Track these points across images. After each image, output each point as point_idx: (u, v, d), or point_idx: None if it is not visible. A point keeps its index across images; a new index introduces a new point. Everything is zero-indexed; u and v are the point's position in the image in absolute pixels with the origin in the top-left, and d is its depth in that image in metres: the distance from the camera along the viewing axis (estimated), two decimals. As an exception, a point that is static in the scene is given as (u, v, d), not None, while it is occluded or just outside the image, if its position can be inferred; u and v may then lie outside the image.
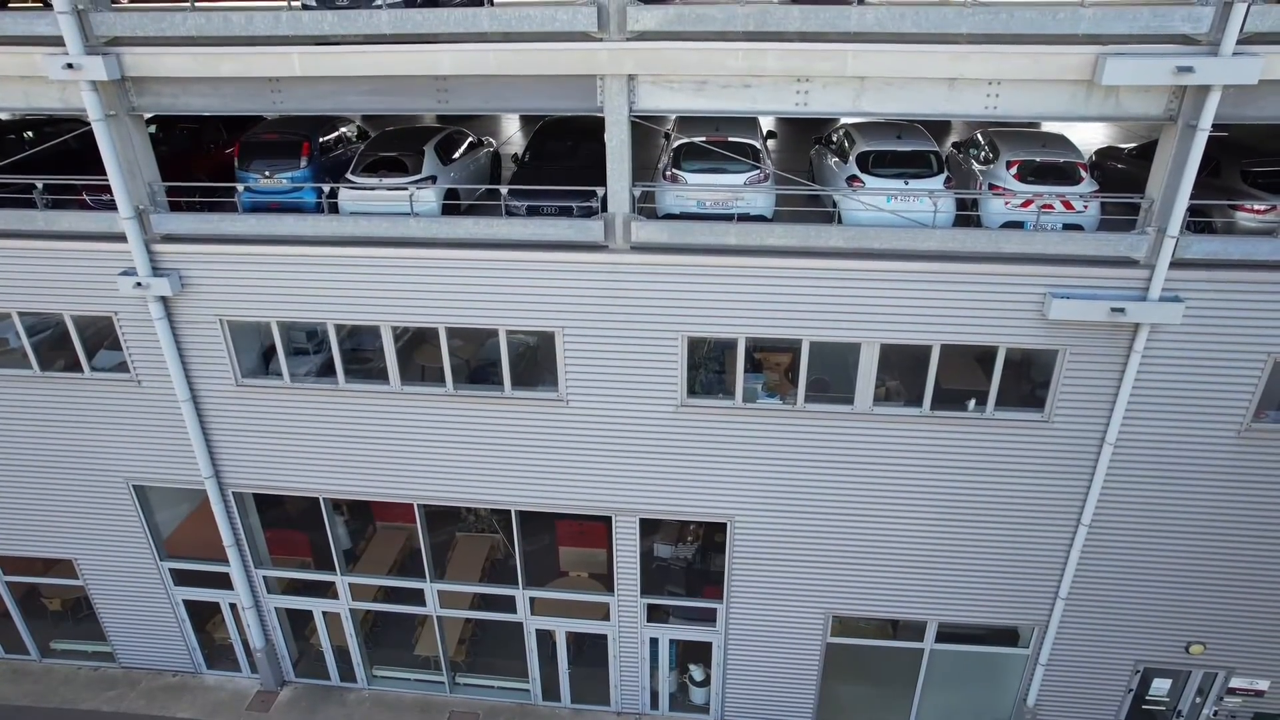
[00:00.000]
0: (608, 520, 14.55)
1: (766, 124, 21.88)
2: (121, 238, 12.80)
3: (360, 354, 13.97)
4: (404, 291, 12.89)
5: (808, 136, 17.96)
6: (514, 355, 13.40)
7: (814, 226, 11.84)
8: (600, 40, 10.93)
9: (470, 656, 17.27)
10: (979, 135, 13.94)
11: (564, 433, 13.64)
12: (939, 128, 19.94)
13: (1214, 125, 10.49)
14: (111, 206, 12.92)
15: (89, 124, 11.98)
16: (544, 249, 12.32)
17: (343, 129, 15.22)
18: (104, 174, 12.47)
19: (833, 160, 13.53)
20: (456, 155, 14.20)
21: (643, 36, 10.85)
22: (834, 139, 14.14)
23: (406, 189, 12.64)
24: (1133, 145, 14.57)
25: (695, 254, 12.07)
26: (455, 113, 11.93)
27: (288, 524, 16.22)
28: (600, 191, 12.15)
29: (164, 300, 13.30)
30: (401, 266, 12.72)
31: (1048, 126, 19.86)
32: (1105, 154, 15.00)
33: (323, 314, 13.24)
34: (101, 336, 14.24)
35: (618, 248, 12.17)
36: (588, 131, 14.38)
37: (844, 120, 15.79)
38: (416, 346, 13.90)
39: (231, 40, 11.41)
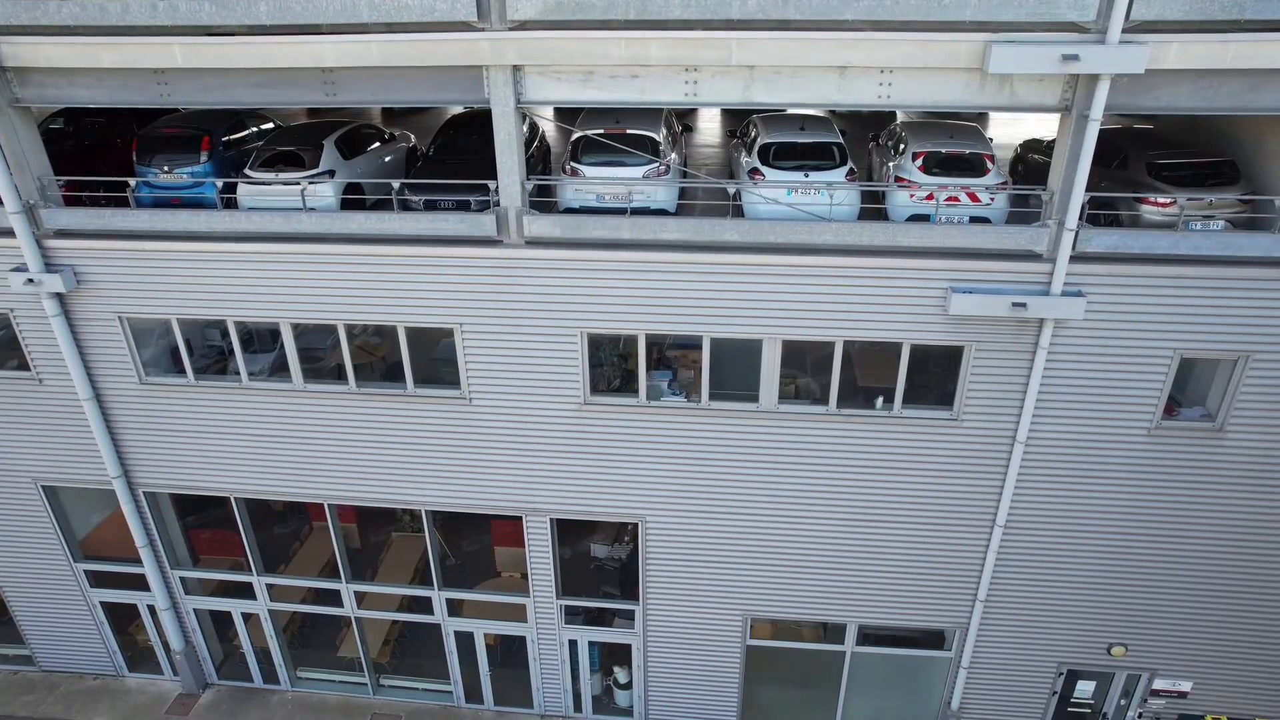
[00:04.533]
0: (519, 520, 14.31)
1: (710, 115, 21.64)
2: (10, 233, 12.55)
3: (310, 353, 13.63)
4: (302, 288, 12.64)
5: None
6: (444, 354, 13.08)
7: (710, 220, 11.59)
8: (482, 30, 10.66)
9: (395, 658, 17.03)
10: (896, 127, 13.69)
11: (469, 431, 13.39)
12: (875, 121, 19.69)
13: (1128, 115, 10.20)
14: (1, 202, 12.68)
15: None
16: (439, 244, 12.07)
17: (260, 125, 14.97)
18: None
19: (741, 153, 13.27)
20: (366, 150, 13.94)
21: (524, 26, 10.58)
22: (749, 131, 13.88)
23: (300, 184, 12.38)
24: (1054, 138, 14.29)
25: (591, 249, 11.82)
26: (343, 105, 11.68)
27: (222, 524, 15.98)
28: (493, 185, 11.89)
29: (59, 297, 13.05)
30: (298, 263, 12.46)
31: (993, 117, 19.66)
32: (1029, 146, 14.75)
33: (223, 311, 13.00)
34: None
35: (512, 243, 11.92)
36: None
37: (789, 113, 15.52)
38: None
39: (109, 30, 11.12)
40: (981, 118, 19.82)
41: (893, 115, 21.37)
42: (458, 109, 23.35)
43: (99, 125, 15.24)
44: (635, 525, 14.28)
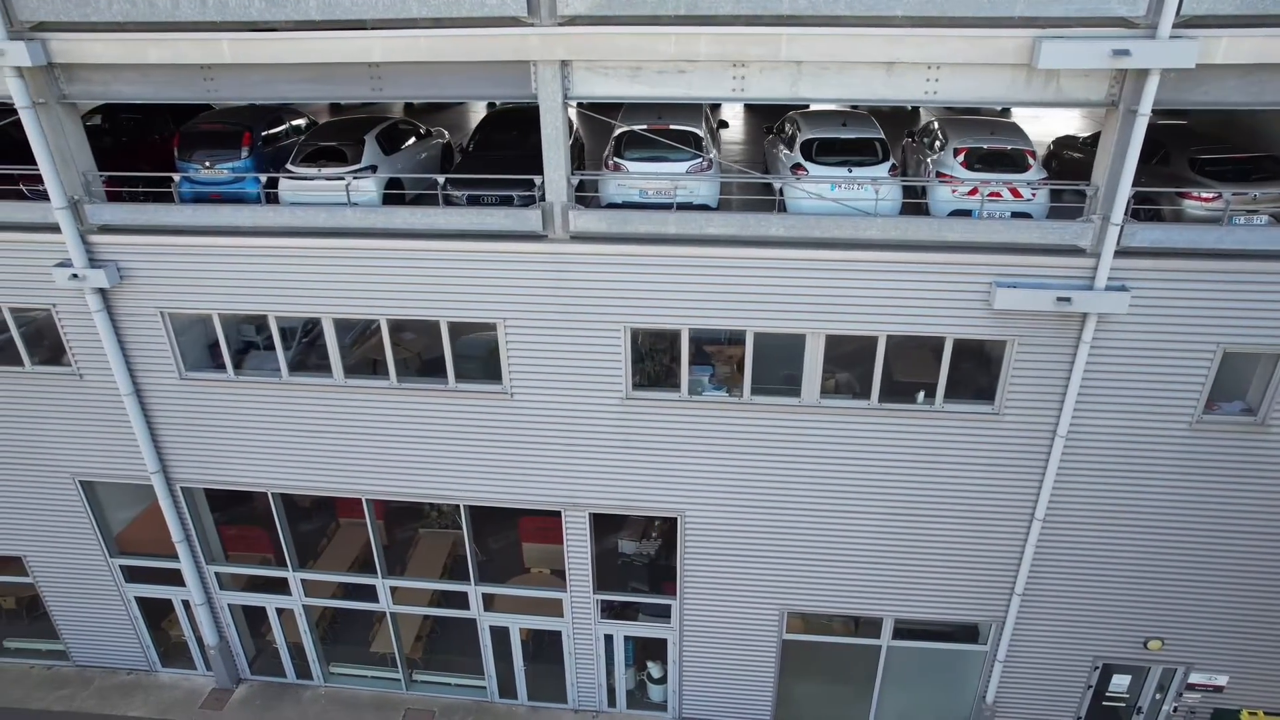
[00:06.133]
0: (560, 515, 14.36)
1: (733, 113, 21.73)
2: (56, 228, 12.61)
3: (323, 348, 13.67)
4: (345, 283, 12.69)
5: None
6: (486, 351, 13.15)
7: (755, 215, 11.64)
8: (531, 25, 10.72)
9: (428, 654, 17.08)
10: (934, 123, 13.74)
11: (510, 426, 13.44)
12: (909, 118, 19.77)
13: (1167, 111, 10.27)
14: (48, 197, 12.72)
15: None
16: (483, 239, 12.12)
17: (295, 120, 15.03)
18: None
19: (781, 149, 13.32)
20: (403, 146, 13.99)
21: (574, 21, 10.64)
22: (786, 128, 13.94)
23: (344, 179, 12.44)
24: (1089, 134, 14.37)
25: (635, 244, 11.87)
26: (391, 100, 11.75)
27: (250, 520, 16.05)
28: (539, 180, 11.94)
29: (102, 292, 13.11)
30: (341, 258, 12.52)
31: (1016, 113, 19.70)
32: (1063, 143, 14.80)
33: (264, 306, 13.05)
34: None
35: (556, 237, 11.97)
36: (535, 121, 14.14)
37: (813, 108, 15.58)
38: (378, 340, 13.63)
39: (158, 25, 11.18)
40: (1003, 114, 19.86)
41: (916, 112, 21.49)
42: (483, 104, 23.45)
43: (136, 122, 15.32)
44: (662, 521, 14.37)
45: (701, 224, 11.68)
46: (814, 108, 15.53)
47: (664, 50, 10.64)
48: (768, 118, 19.92)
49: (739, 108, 22.23)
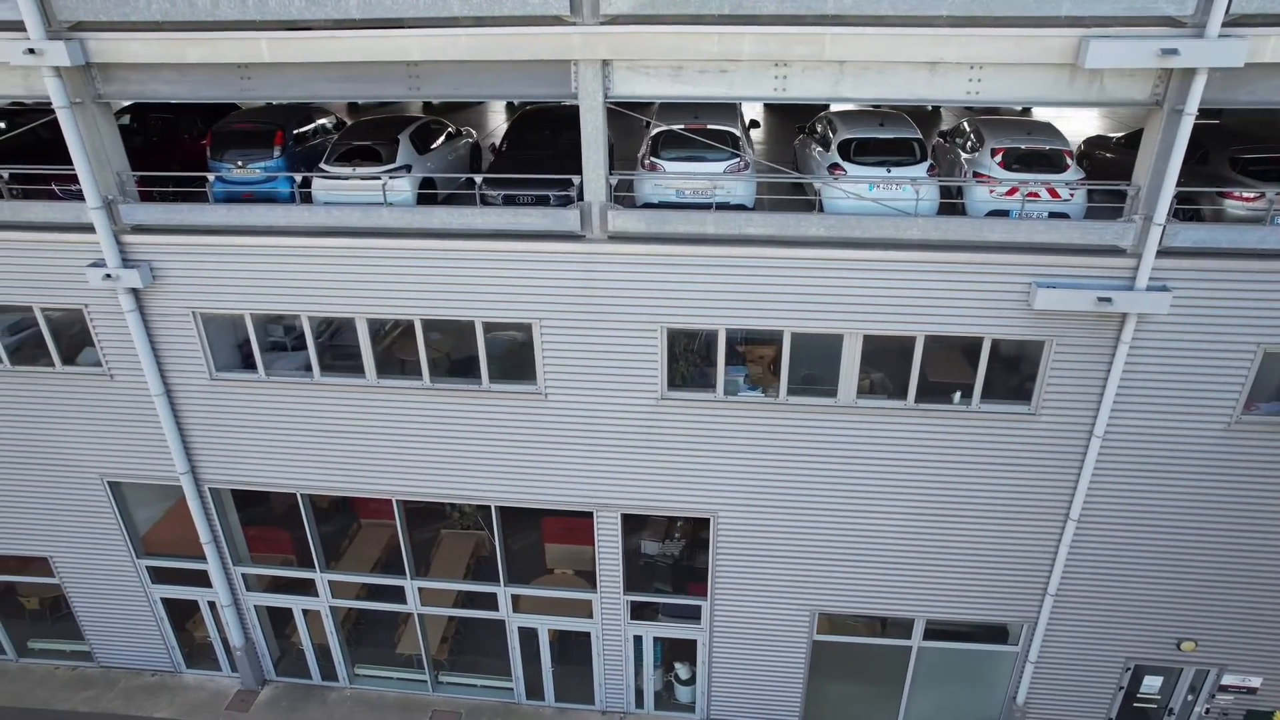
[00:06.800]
0: (590, 516, 14.32)
1: (754, 112, 21.68)
2: (90, 228, 12.56)
3: (342, 350, 13.69)
4: (379, 283, 12.65)
5: (793, 125, 17.72)
6: (505, 350, 13.14)
7: (794, 215, 11.61)
8: (573, 24, 10.68)
9: (453, 655, 17.04)
10: (965, 124, 13.71)
11: (543, 427, 13.41)
12: (929, 118, 19.74)
13: (1202, 110, 10.26)
14: (81, 197, 12.68)
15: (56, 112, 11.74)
16: (520, 239, 12.08)
17: (321, 120, 14.99)
18: (72, 164, 12.23)
19: (815, 149, 13.29)
20: (434, 145, 13.96)
21: (616, 20, 10.60)
22: (817, 128, 13.91)
23: (380, 178, 12.40)
24: (1121, 134, 14.35)
25: (674, 243, 11.83)
26: (428, 99, 11.72)
27: (269, 521, 16.01)
28: (576, 180, 11.91)
29: (135, 292, 13.06)
30: (375, 257, 12.48)
31: (1038, 113, 19.67)
32: (1094, 143, 14.78)
33: (297, 306, 13.01)
34: (76, 333, 14.01)
35: (594, 237, 11.93)
36: (566, 120, 14.13)
37: (833, 108, 15.56)
38: (398, 341, 13.64)
39: (198, 25, 11.15)
40: (1024, 114, 19.84)
41: (938, 111, 21.47)
42: (501, 103, 23.43)
43: (164, 121, 15.27)
44: (684, 521, 14.32)
45: (741, 224, 11.65)
46: (848, 107, 15.49)
47: (707, 50, 10.60)
48: (789, 117, 19.90)
49: (759, 106, 22.20)
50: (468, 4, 10.67)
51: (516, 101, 23.23)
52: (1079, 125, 19.28)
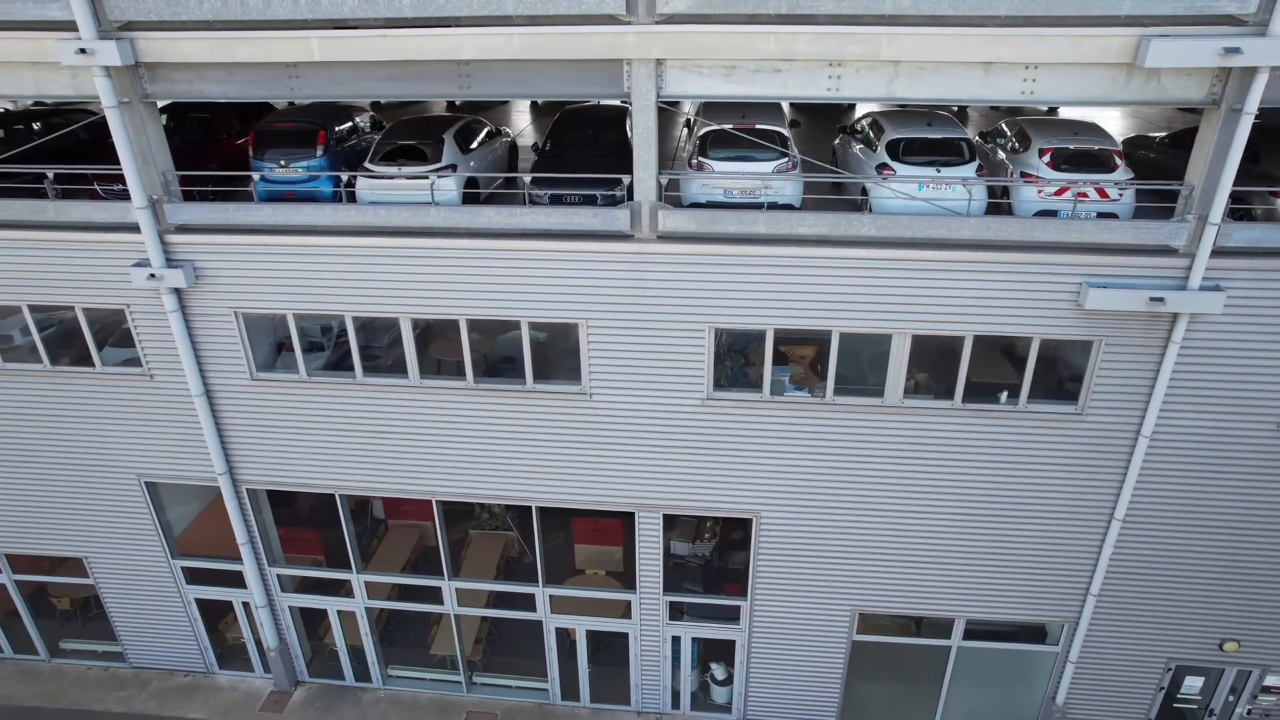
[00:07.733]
0: (627, 517, 14.29)
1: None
2: (135, 228, 12.52)
3: (368, 350, 13.63)
4: (424, 283, 12.61)
5: (827, 125, 17.70)
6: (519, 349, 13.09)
7: (845, 215, 11.58)
8: (628, 23, 10.64)
9: (486, 656, 17.00)
10: (1004, 124, 13.69)
11: (587, 427, 13.37)
12: (957, 117, 19.68)
13: (1261, 110, 10.23)
14: (123, 197, 12.65)
15: (98, 114, 11.68)
16: (568, 239, 12.04)
17: (356, 118, 14.94)
18: (114, 164, 12.18)
19: (859, 149, 13.26)
20: (475, 144, 13.92)
21: (672, 19, 10.57)
22: (859, 127, 13.87)
23: (427, 177, 12.36)
24: (1164, 134, 14.31)
25: (723, 243, 11.80)
26: (475, 99, 11.65)
27: (298, 522, 15.97)
28: (625, 180, 11.86)
29: (178, 292, 13.01)
30: (421, 257, 12.44)
31: (1068, 112, 19.62)
32: (1135, 143, 14.75)
33: (340, 306, 12.97)
34: (107, 332, 13.94)
35: (644, 237, 11.89)
36: (608, 120, 14.12)
37: (872, 108, 15.53)
38: (429, 342, 13.58)
39: (249, 24, 11.11)
40: (1050, 113, 19.79)
41: (964, 111, 21.42)
42: (525, 103, 23.39)
43: (202, 121, 15.21)
44: (714, 521, 14.28)
45: (791, 224, 11.61)
46: (893, 107, 15.46)
47: (763, 49, 10.57)
48: (821, 117, 19.86)
49: (785, 105, 22.14)
50: (522, 3, 10.63)
51: (540, 101, 23.19)
52: (1114, 125, 19.22)
